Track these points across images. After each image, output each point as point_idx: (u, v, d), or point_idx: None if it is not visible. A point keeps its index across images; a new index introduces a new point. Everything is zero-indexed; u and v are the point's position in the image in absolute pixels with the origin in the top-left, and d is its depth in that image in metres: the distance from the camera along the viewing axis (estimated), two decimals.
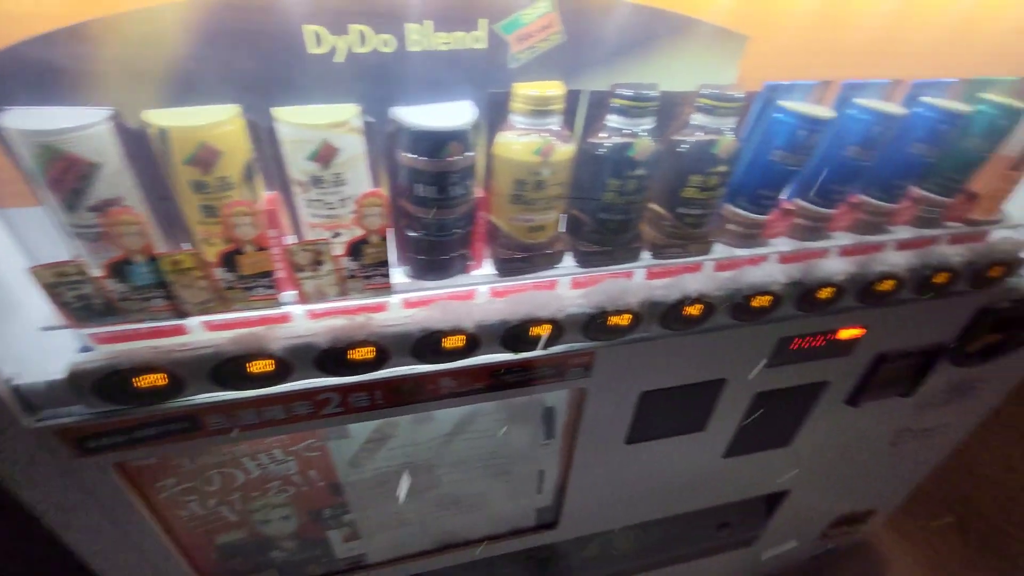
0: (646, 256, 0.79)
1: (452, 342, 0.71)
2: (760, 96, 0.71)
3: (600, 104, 0.66)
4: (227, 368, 0.65)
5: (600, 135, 0.67)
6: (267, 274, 0.61)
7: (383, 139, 0.62)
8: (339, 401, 0.74)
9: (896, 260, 0.87)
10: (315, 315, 0.71)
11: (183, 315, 0.62)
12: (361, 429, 0.84)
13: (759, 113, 0.72)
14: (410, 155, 0.59)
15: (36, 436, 0.64)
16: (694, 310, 0.81)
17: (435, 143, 0.58)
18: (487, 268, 0.75)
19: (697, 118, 0.69)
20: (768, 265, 0.84)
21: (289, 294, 0.66)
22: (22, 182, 0.55)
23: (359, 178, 0.61)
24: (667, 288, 0.79)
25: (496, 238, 0.72)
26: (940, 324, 1.04)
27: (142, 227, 0.53)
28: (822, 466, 1.33)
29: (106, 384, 0.62)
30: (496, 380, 0.80)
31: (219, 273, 0.59)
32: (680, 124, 0.71)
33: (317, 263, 0.62)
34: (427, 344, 0.71)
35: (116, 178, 0.54)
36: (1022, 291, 1.00)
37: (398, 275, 0.72)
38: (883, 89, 0.75)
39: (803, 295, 0.85)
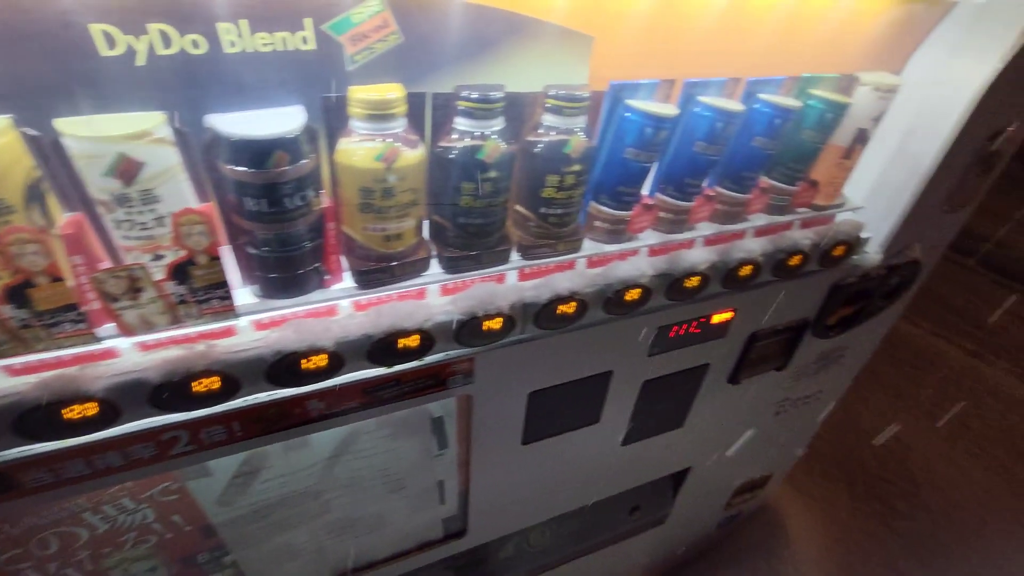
0: (516, 258, 0.79)
1: (312, 363, 0.67)
2: (608, 95, 0.72)
3: (446, 107, 0.65)
4: (34, 417, 0.56)
5: (449, 138, 0.65)
6: (71, 308, 0.54)
7: (201, 150, 0.56)
8: (189, 439, 0.68)
9: (753, 246, 0.93)
10: (147, 347, 0.64)
11: None
12: (225, 464, 0.77)
13: (609, 112, 0.73)
14: (232, 167, 0.54)
15: None
16: (568, 308, 0.81)
17: (257, 153, 0.54)
18: (348, 281, 0.71)
19: (547, 119, 0.69)
20: (637, 259, 0.86)
21: (109, 327, 0.58)
22: None
23: (176, 194, 0.55)
24: (538, 288, 0.79)
25: (352, 249, 0.69)
26: (801, 302, 1.13)
27: None
28: (716, 441, 1.41)
29: None
30: (371, 397, 0.76)
31: (6, 311, 0.51)
32: (533, 125, 0.71)
33: (135, 290, 0.55)
34: (283, 368, 0.66)
35: None
36: (865, 267, 1.10)
37: (246, 295, 0.66)
38: (723, 87, 0.80)
39: (671, 285, 0.88)
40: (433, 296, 0.77)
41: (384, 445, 0.89)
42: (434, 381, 0.80)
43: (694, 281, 0.89)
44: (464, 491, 1.09)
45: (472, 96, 0.63)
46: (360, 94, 0.59)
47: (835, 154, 0.93)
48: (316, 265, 0.67)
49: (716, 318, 1.02)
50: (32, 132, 0.51)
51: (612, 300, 0.84)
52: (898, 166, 1.01)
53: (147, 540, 0.80)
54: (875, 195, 1.05)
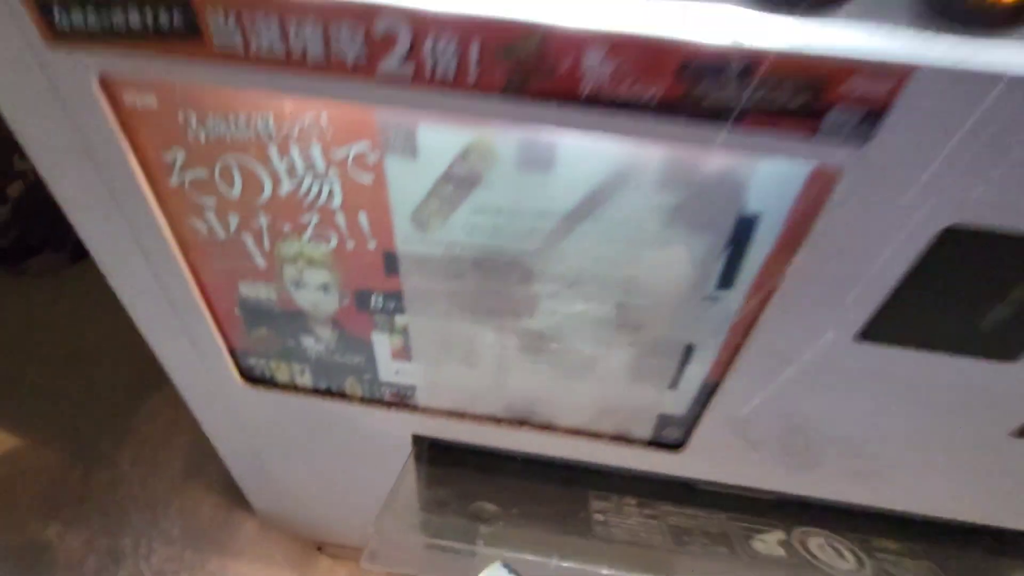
0: None
1: None
2: None
3: None
4: None
5: None
6: None
7: None
8: (410, 47, 0.43)
9: None
10: None
11: None
12: (437, 151, 0.53)
13: None
14: None
15: None
16: None
17: None
18: None
19: None
20: None
21: None
22: None
23: None
24: None
25: None
26: None
27: None
28: None
29: None
30: (684, 88, 0.42)
31: None
32: None
33: None
34: None
35: None
36: None
37: None
38: None
39: None
40: None
41: (648, 229, 0.55)
42: (805, 102, 0.42)
43: None
44: (712, 385, 0.71)
45: None
46: None
47: None
48: None
49: None
50: None
51: None
52: None
53: (327, 238, 0.62)
54: None
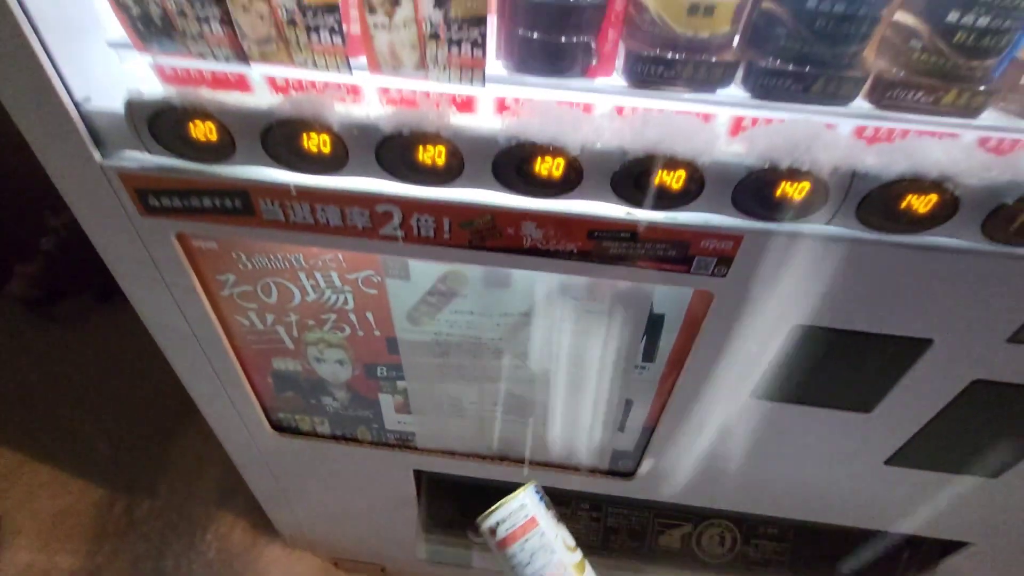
0: (861, 104, 0.52)
1: (546, 165, 0.53)
2: None
3: None
4: (279, 133, 0.54)
5: None
6: (332, 8, 0.48)
7: None
8: (401, 220, 0.61)
9: None
10: (390, 100, 0.58)
11: (244, 57, 0.53)
12: (424, 275, 0.71)
13: None
14: None
15: (104, 176, 0.61)
16: (924, 202, 0.52)
17: None
18: (617, 80, 0.54)
19: None
20: None
21: (360, 62, 0.53)
22: None
23: None
24: (887, 154, 0.51)
25: (638, 25, 0.51)
26: None
27: None
28: None
29: (160, 122, 0.55)
30: (595, 244, 0.60)
31: None
32: None
33: (394, 2, 0.47)
34: (513, 159, 0.53)
35: None
36: None
37: (497, 67, 0.55)
38: None
39: None
40: (720, 125, 0.55)
41: (583, 323, 0.74)
42: (677, 254, 0.60)
43: None
44: (650, 428, 0.89)
45: None
46: None
47: None
48: (586, 38, 0.51)
49: None
50: None
51: (1008, 213, 0.51)
52: None
53: (343, 329, 0.80)
54: None
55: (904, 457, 0.83)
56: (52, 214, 2.02)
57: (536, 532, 0.73)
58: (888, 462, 0.84)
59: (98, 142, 0.60)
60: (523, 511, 0.75)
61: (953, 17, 0.45)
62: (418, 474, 1.09)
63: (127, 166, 0.60)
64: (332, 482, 1.15)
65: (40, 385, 1.73)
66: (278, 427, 1.02)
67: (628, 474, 0.98)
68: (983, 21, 0.45)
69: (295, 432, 1.02)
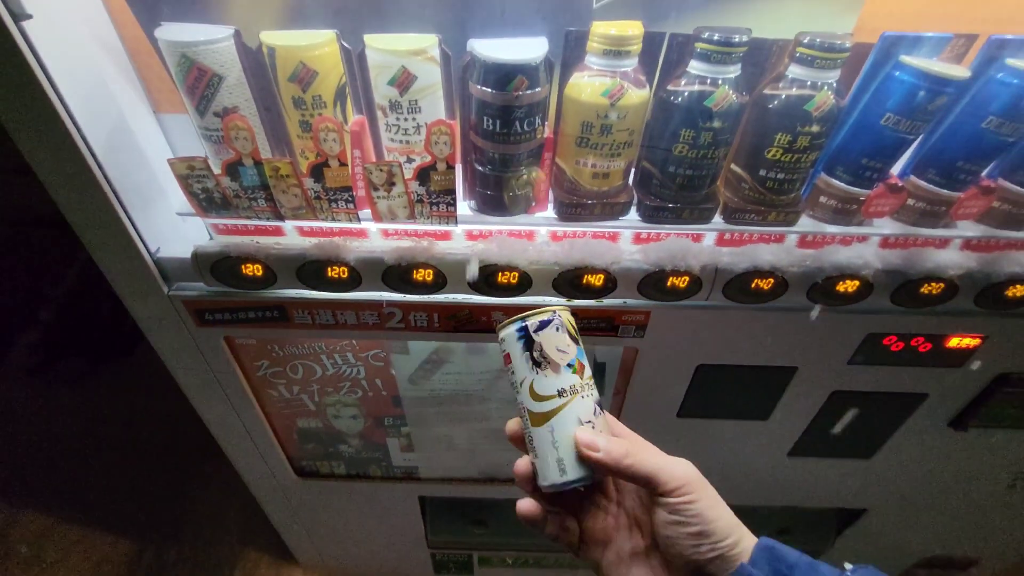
0: (718, 221, 0.76)
1: (506, 278, 0.75)
2: (877, 49, 0.62)
3: (682, 48, 0.63)
4: (309, 268, 0.74)
5: (678, 82, 0.64)
6: (346, 188, 0.69)
7: (458, 71, 0.65)
8: (401, 317, 0.82)
9: None
10: (387, 235, 0.78)
11: (280, 218, 0.73)
12: (420, 349, 0.92)
13: (873, 69, 0.63)
14: (479, 87, 0.62)
15: (170, 303, 0.80)
16: (764, 284, 0.75)
17: (502, 76, 0.60)
18: (550, 212, 0.77)
19: (794, 70, 0.63)
20: (863, 247, 0.75)
21: (366, 212, 0.73)
22: (174, 91, 0.68)
23: (434, 107, 0.66)
24: (736, 256, 0.74)
25: (560, 182, 0.73)
26: None
27: (250, 133, 0.63)
28: (911, 492, 1.18)
29: (219, 267, 0.75)
30: None
31: (308, 183, 0.68)
32: (774, 76, 0.65)
33: (390, 183, 0.68)
34: (483, 275, 0.75)
35: (236, 89, 0.64)
36: None
37: (464, 208, 0.76)
38: None
39: (903, 287, 0.75)
40: (625, 242, 0.78)
41: None
42: (607, 325, 0.83)
43: (935, 288, 0.75)
44: None
45: (713, 38, 0.60)
46: (601, 29, 0.61)
47: None
48: (527, 191, 0.73)
49: (954, 341, 0.84)
50: (346, 45, 0.65)
51: (820, 287, 0.75)
52: None
53: (356, 392, 1.00)
54: None
55: (801, 449, 1.08)
56: (51, 284, 2.15)
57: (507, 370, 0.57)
58: (790, 454, 1.09)
59: (166, 278, 0.79)
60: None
61: (762, 172, 0.69)
62: (422, 499, 1.29)
63: (188, 294, 0.79)
64: (348, 513, 1.34)
65: (55, 446, 1.85)
66: (301, 472, 1.21)
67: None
68: (780, 175, 0.69)
69: (316, 475, 1.21)
